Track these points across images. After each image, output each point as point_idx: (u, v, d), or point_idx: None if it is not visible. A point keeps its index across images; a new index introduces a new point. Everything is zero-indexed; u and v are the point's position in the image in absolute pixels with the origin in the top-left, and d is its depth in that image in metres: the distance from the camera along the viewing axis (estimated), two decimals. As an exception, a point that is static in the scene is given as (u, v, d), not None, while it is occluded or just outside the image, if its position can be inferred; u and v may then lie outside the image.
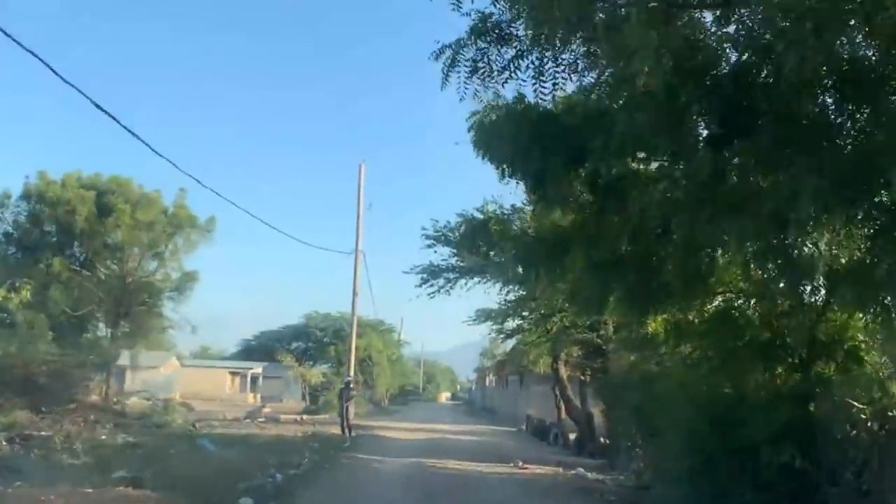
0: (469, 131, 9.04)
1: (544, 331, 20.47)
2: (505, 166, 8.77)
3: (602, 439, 20.33)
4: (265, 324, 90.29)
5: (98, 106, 11.77)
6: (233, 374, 64.34)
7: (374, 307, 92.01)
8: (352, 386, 24.78)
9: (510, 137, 8.18)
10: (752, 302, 9.17)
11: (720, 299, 9.35)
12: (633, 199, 7.63)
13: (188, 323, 33.82)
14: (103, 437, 17.37)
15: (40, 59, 10.03)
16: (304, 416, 29.29)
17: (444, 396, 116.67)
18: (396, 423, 34.28)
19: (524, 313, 21.95)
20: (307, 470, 14.12)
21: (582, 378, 21.97)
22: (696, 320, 9.93)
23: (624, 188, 7.95)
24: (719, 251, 8.05)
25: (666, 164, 7.71)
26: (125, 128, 13.04)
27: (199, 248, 31.95)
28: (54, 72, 10.38)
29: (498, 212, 14.27)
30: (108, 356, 31.11)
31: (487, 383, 66.01)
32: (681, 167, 7.31)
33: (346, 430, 22.47)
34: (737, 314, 9.04)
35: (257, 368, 66.81)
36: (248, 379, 64.70)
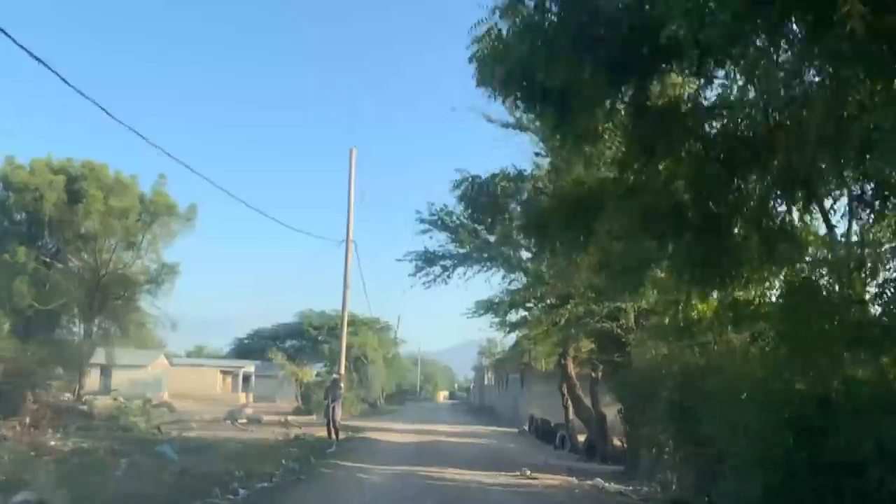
0: (471, 62, 6.92)
1: (551, 322, 18.28)
2: (518, 95, 6.63)
3: (617, 442, 18.24)
4: (259, 323, 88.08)
5: (65, 81, 10.97)
6: (224, 373, 62.15)
7: (369, 303, 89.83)
8: (340, 384, 22.39)
9: (527, 48, 6.05)
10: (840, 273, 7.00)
11: (802, 267, 7.15)
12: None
13: (168, 319, 31.63)
14: (52, 442, 15.24)
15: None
16: (290, 417, 26.95)
17: (442, 396, 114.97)
18: (390, 423, 32.18)
19: (529, 304, 19.85)
20: (279, 483, 11.97)
21: (593, 375, 19.86)
22: (759, 299, 7.83)
23: (683, 115, 5.85)
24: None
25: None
26: (94, 103, 11.47)
27: (179, 239, 29.83)
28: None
29: (506, 170, 12.10)
30: (80, 354, 28.96)
31: (486, 382, 63.91)
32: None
33: (333, 433, 20.33)
34: (824, 288, 6.87)
35: (249, 367, 64.67)
36: (240, 378, 62.45)
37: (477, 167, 19.21)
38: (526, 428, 31.76)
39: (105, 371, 57.58)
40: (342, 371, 28.88)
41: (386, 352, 60.76)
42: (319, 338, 61.63)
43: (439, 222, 19.23)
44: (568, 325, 17.52)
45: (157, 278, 30.12)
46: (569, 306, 15.76)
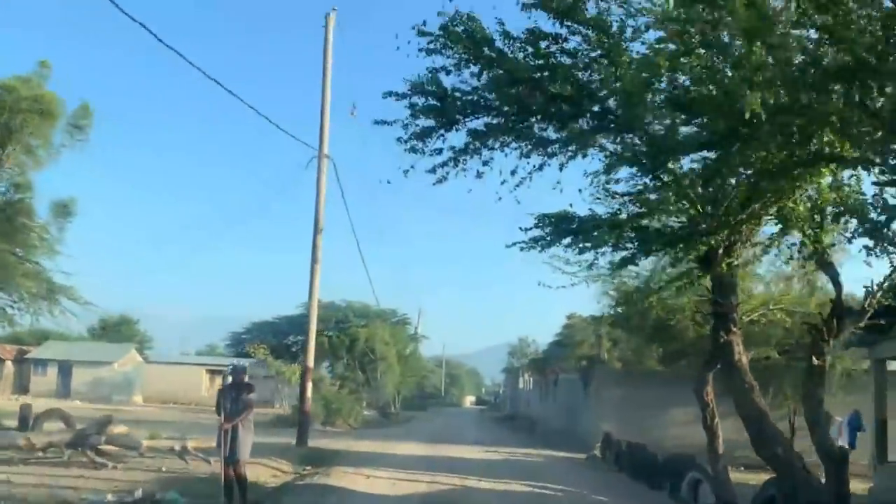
0: None
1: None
2: None
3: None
4: (260, 315, 78.04)
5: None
6: (212, 372, 51.76)
7: (374, 290, 68.57)
8: (249, 387, 9.91)
9: None
10: None
11: None
12: None
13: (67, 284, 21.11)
14: None
15: None
16: (192, 444, 14.10)
17: (469, 401, 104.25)
18: (394, 444, 21.64)
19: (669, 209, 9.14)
20: None
21: (817, 363, 8.86)
22: None
23: None
24: None
25: None
26: None
27: (66, 154, 19.36)
28: None
29: None
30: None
31: (521, 385, 52.95)
32: None
33: (228, 482, 9.29)
34: None
35: (243, 364, 53.95)
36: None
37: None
38: (597, 453, 20.98)
39: (64, 369, 48.15)
40: (309, 363, 18.27)
41: (401, 347, 50.30)
42: (326, 332, 51.23)
43: (464, 34, 8.56)
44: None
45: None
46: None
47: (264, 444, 13.18)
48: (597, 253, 10.05)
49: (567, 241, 9.83)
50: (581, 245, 9.75)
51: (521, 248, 9.82)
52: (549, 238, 9.91)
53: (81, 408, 28.50)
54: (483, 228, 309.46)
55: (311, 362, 18.34)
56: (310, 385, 18.23)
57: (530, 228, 9.73)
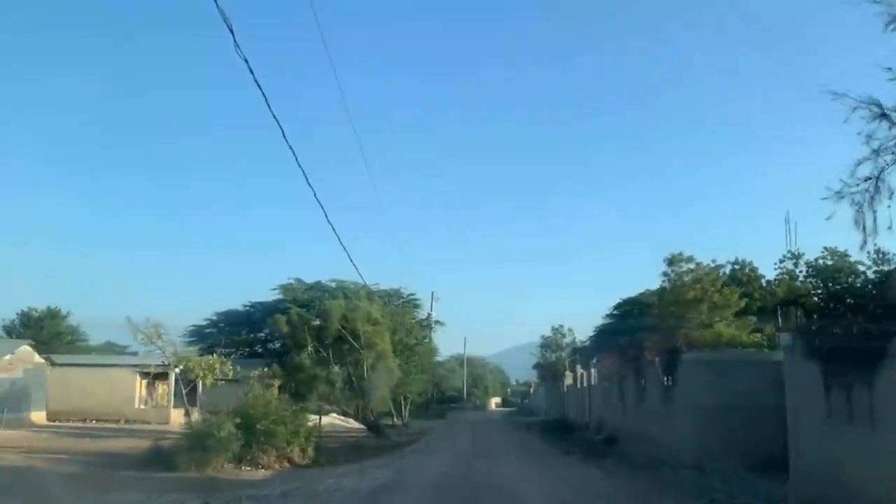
0: None
1: None
2: None
3: None
4: (225, 305, 64.75)
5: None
6: (148, 376, 37.71)
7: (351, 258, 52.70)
8: None
9: None
10: None
11: None
12: None
13: None
14: None
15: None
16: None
17: (494, 402, 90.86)
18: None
19: None
20: None
21: None
22: None
23: None
24: None
25: None
26: None
27: None
28: None
29: None
30: None
31: (571, 382, 39.25)
32: None
33: None
34: None
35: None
36: (175, 384, 38.37)
37: None
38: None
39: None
40: None
41: (404, 334, 36.81)
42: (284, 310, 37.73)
43: None
44: None
45: None
46: None
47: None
48: None
49: None
50: None
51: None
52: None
53: None
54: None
55: None
56: None
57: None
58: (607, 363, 27.42)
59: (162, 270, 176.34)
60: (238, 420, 16.35)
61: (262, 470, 15.53)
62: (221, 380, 27.25)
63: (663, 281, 21.40)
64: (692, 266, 21.31)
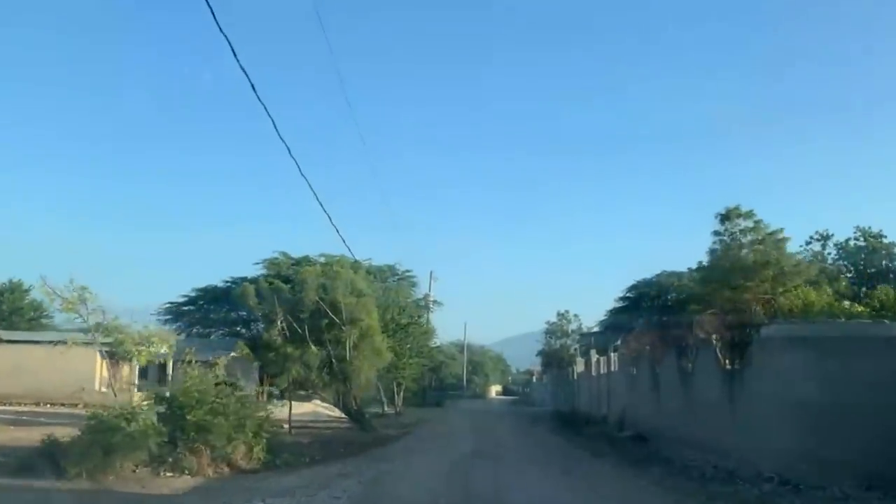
0: None
1: None
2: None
3: None
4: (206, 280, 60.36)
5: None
6: (113, 356, 33.52)
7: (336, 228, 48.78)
8: None
9: None
10: None
11: None
12: None
13: None
14: None
15: None
16: None
17: (494, 391, 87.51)
18: None
19: None
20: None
21: None
22: None
23: None
24: None
25: None
26: None
27: None
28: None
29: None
30: None
31: (584, 369, 35.09)
32: None
33: None
34: None
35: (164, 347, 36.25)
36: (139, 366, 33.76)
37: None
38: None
39: None
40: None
41: (396, 314, 32.58)
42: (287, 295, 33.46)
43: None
44: None
45: None
46: None
47: None
48: None
49: None
50: None
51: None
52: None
53: None
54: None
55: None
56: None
57: None
58: (633, 346, 23.20)
59: (145, 247, 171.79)
60: (161, 409, 12.22)
61: (189, 477, 11.37)
62: (192, 361, 22.89)
63: (714, 242, 17.19)
64: (750, 224, 17.08)
